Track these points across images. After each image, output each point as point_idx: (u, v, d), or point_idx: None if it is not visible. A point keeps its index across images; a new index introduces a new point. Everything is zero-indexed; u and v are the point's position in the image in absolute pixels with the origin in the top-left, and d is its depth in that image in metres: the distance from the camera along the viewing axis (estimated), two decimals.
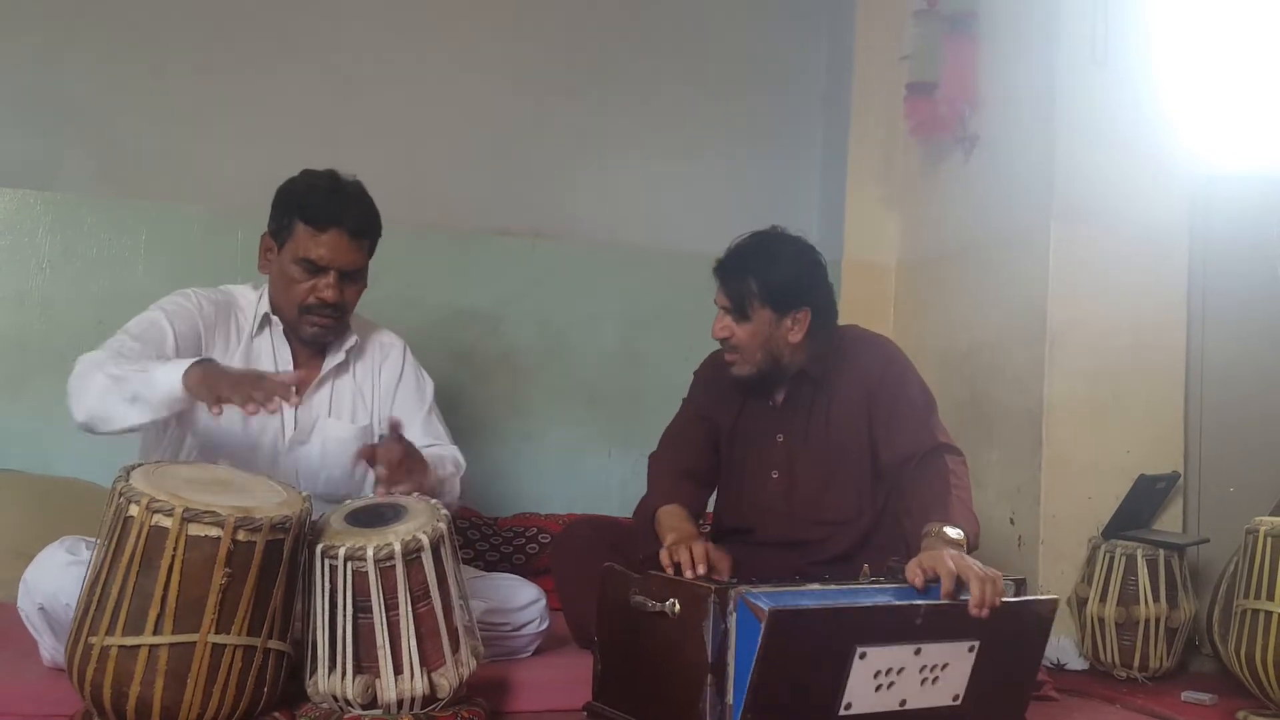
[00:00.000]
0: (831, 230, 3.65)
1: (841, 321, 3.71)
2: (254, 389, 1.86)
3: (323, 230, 2.22)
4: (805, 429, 2.36)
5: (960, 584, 1.86)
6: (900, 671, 1.81)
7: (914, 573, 1.91)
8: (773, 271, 2.27)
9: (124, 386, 1.97)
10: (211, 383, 1.90)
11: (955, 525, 2.03)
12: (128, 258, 3.14)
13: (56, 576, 1.92)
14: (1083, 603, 2.74)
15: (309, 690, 1.81)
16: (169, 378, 1.94)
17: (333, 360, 2.36)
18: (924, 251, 3.49)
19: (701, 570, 1.95)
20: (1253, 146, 3.00)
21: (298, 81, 3.30)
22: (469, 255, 3.44)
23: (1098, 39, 2.86)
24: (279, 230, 2.27)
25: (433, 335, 3.34)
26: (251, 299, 2.34)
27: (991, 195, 3.15)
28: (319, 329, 2.29)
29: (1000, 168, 3.12)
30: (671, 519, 2.19)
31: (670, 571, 1.96)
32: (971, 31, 3.18)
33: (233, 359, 2.27)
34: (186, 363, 1.95)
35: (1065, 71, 2.89)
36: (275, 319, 2.32)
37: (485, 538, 3.18)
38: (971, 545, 2.03)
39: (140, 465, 1.83)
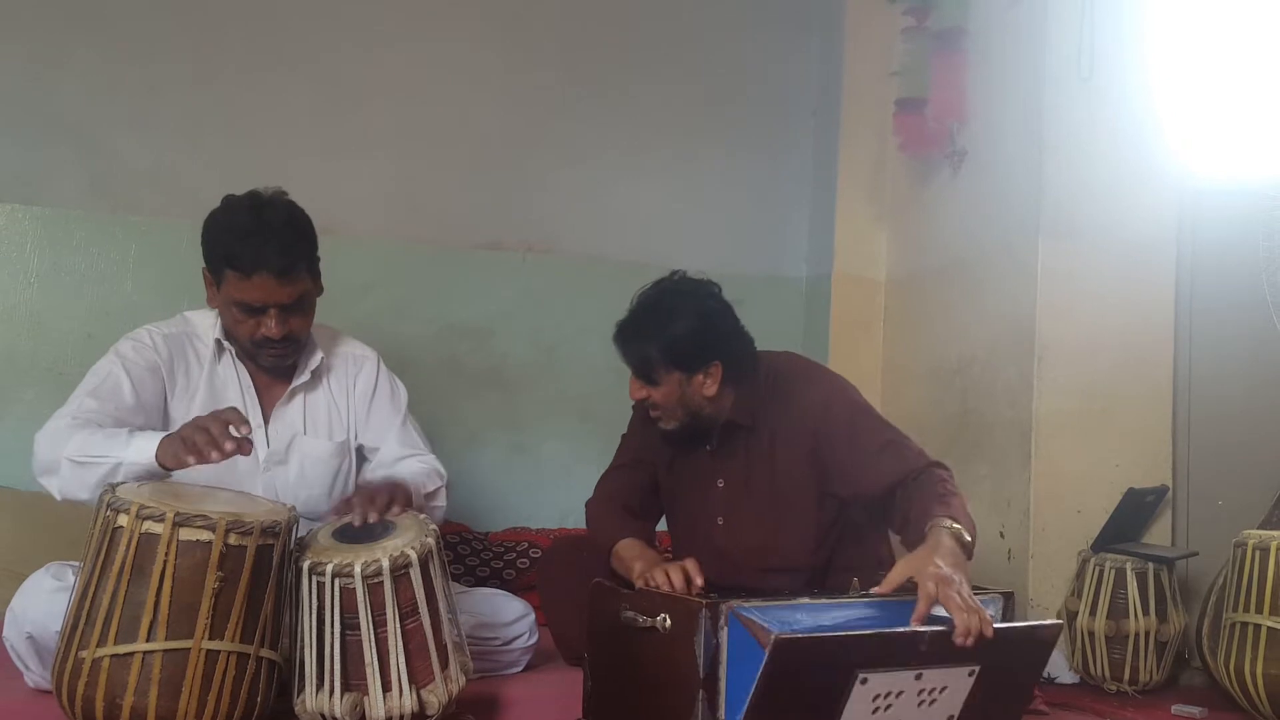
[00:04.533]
0: (822, 245, 3.66)
1: (832, 337, 3.69)
2: (208, 434, 1.83)
3: (248, 276, 2.11)
4: (745, 474, 2.30)
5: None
6: (899, 695, 1.77)
7: (891, 581, 1.85)
8: (672, 334, 2.18)
9: (91, 473, 1.93)
10: (176, 449, 1.86)
11: (960, 525, 1.97)
12: (117, 272, 3.13)
13: (45, 603, 1.90)
14: (1073, 616, 2.74)
15: (296, 709, 1.80)
16: (142, 456, 1.89)
17: (298, 380, 2.30)
18: (913, 266, 3.50)
19: (699, 583, 1.93)
20: (1240, 160, 3.01)
21: (288, 97, 3.30)
22: (460, 269, 3.44)
23: (1084, 55, 2.88)
24: (213, 270, 2.19)
25: (424, 349, 3.34)
26: (210, 324, 2.28)
27: (980, 211, 3.16)
28: (276, 358, 2.24)
29: (989, 183, 3.13)
30: (632, 549, 2.14)
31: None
32: (960, 48, 3.20)
33: (197, 388, 2.23)
34: (153, 442, 1.89)
35: (1053, 88, 2.91)
36: (229, 345, 2.26)
37: (475, 553, 3.17)
38: (971, 551, 1.98)
39: (123, 484, 1.83)
